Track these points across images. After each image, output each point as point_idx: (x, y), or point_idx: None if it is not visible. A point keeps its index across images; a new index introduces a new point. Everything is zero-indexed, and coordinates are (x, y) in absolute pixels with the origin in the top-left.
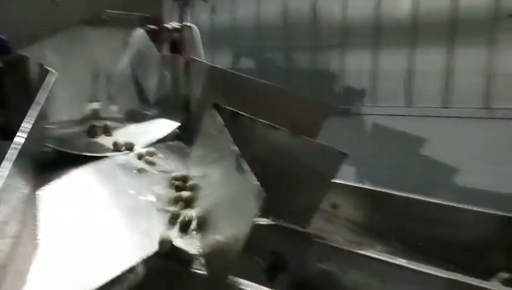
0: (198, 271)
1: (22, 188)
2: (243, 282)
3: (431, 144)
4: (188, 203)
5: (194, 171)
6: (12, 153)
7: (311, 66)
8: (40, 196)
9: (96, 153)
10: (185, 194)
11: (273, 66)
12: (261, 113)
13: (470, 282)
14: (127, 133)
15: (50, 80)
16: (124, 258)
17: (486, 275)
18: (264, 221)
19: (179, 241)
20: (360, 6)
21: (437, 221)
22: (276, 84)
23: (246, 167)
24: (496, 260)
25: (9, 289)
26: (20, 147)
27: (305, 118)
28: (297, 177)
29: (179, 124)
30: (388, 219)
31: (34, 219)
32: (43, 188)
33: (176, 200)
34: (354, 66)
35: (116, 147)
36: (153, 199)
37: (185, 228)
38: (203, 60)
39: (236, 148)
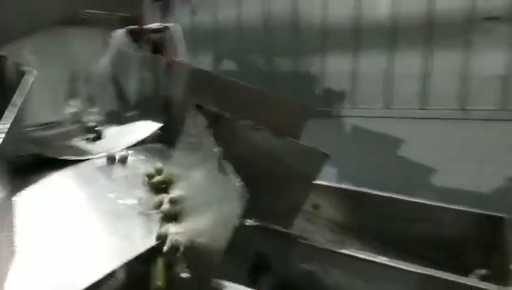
0: (182, 274)
1: None
2: (227, 284)
3: (409, 145)
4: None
5: (175, 173)
6: None
7: (291, 68)
8: (16, 201)
9: (75, 156)
10: (166, 197)
11: (254, 68)
12: (243, 115)
13: (447, 278)
14: (107, 135)
15: (28, 80)
16: (104, 263)
17: (464, 272)
18: (247, 222)
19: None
20: (340, 9)
21: (415, 220)
22: (258, 86)
23: (229, 168)
24: (473, 257)
25: None
26: None
27: (287, 119)
28: (280, 178)
29: (160, 125)
30: (368, 219)
31: (11, 225)
32: (19, 193)
33: (157, 204)
34: (334, 68)
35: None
36: (133, 202)
37: (167, 231)
38: (185, 61)
39: (218, 149)
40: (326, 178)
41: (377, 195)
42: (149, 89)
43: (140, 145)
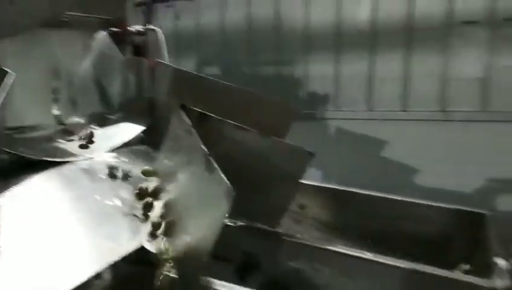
0: (169, 273)
1: None
2: (216, 282)
3: (392, 146)
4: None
5: (161, 175)
6: None
7: (275, 72)
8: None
9: (58, 158)
10: (151, 199)
11: (237, 72)
12: (228, 115)
13: (431, 272)
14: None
15: (8, 81)
16: (90, 264)
17: (448, 267)
18: (234, 222)
19: (148, 245)
20: (321, 14)
21: (399, 217)
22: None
23: (215, 166)
24: (456, 252)
25: None
26: None
27: (272, 119)
28: (266, 177)
29: (143, 128)
30: (353, 217)
31: None
32: (2, 194)
33: (143, 206)
34: (318, 72)
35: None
36: (119, 203)
37: (153, 233)
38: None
39: (205, 148)
40: (311, 180)
41: (362, 194)
42: (132, 91)
43: (124, 147)
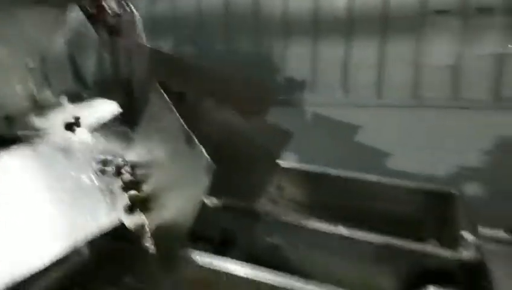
0: (148, 248)
1: None
2: (194, 253)
3: (366, 131)
4: (134, 184)
5: (139, 153)
6: None
7: (252, 57)
8: None
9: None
10: (129, 177)
11: (214, 56)
12: (206, 95)
13: (403, 245)
14: (62, 115)
15: None
16: (67, 240)
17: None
18: (213, 199)
19: (127, 221)
20: (299, 0)
21: (373, 197)
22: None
23: (196, 142)
24: (426, 230)
25: None
26: None
27: (251, 99)
28: (246, 156)
29: (119, 107)
30: (329, 198)
31: None
32: None
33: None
34: (295, 57)
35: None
36: (95, 180)
37: (131, 208)
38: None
39: (185, 125)
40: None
41: (338, 175)
42: (108, 71)
43: (101, 126)
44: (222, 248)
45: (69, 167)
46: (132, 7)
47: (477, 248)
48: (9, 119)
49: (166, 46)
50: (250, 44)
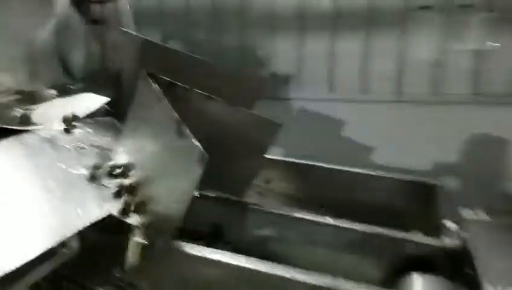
0: (139, 240)
1: None
2: (186, 245)
3: (351, 126)
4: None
5: (128, 146)
6: None
7: (239, 51)
8: None
9: (17, 126)
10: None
11: (200, 50)
12: (196, 87)
13: (387, 234)
14: (50, 107)
15: None
16: (57, 231)
17: None
18: (201, 192)
19: (117, 213)
20: None
21: (358, 188)
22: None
23: (187, 132)
24: (408, 220)
25: None
26: None
27: (241, 90)
28: (234, 147)
29: (107, 99)
30: (315, 189)
31: None
32: None
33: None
34: (281, 52)
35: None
36: (85, 172)
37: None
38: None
39: (176, 114)
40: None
41: (324, 167)
42: (96, 62)
43: (89, 118)
44: (211, 241)
45: (57, 158)
46: None
47: (460, 236)
48: None
49: (152, 39)
50: (237, 38)
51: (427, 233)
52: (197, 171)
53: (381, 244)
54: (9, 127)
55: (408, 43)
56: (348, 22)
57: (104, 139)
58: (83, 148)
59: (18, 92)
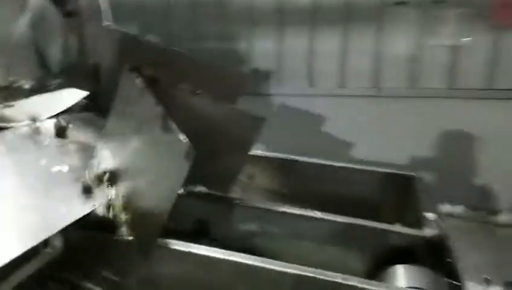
0: (125, 237)
1: None
2: (171, 241)
3: (331, 121)
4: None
5: (111, 142)
6: None
7: (218, 47)
8: None
9: None
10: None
11: (179, 44)
12: (179, 80)
13: (370, 225)
14: (29, 103)
15: None
16: (40, 229)
17: None
18: (186, 188)
19: (101, 210)
20: None
21: (339, 182)
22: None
23: (173, 126)
24: (389, 212)
25: None
26: None
27: (224, 86)
28: (219, 142)
29: (86, 93)
30: (298, 184)
31: None
32: None
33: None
34: (261, 48)
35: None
36: (67, 169)
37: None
38: (112, 26)
39: (160, 108)
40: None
41: (306, 162)
42: (73, 56)
43: (67, 113)
44: (196, 236)
45: (39, 156)
46: None
47: (439, 226)
48: None
49: (130, 32)
50: (216, 34)
51: (408, 224)
52: (184, 167)
53: (364, 235)
54: None
55: (385, 38)
56: (326, 17)
57: (85, 135)
58: (63, 145)
59: None
